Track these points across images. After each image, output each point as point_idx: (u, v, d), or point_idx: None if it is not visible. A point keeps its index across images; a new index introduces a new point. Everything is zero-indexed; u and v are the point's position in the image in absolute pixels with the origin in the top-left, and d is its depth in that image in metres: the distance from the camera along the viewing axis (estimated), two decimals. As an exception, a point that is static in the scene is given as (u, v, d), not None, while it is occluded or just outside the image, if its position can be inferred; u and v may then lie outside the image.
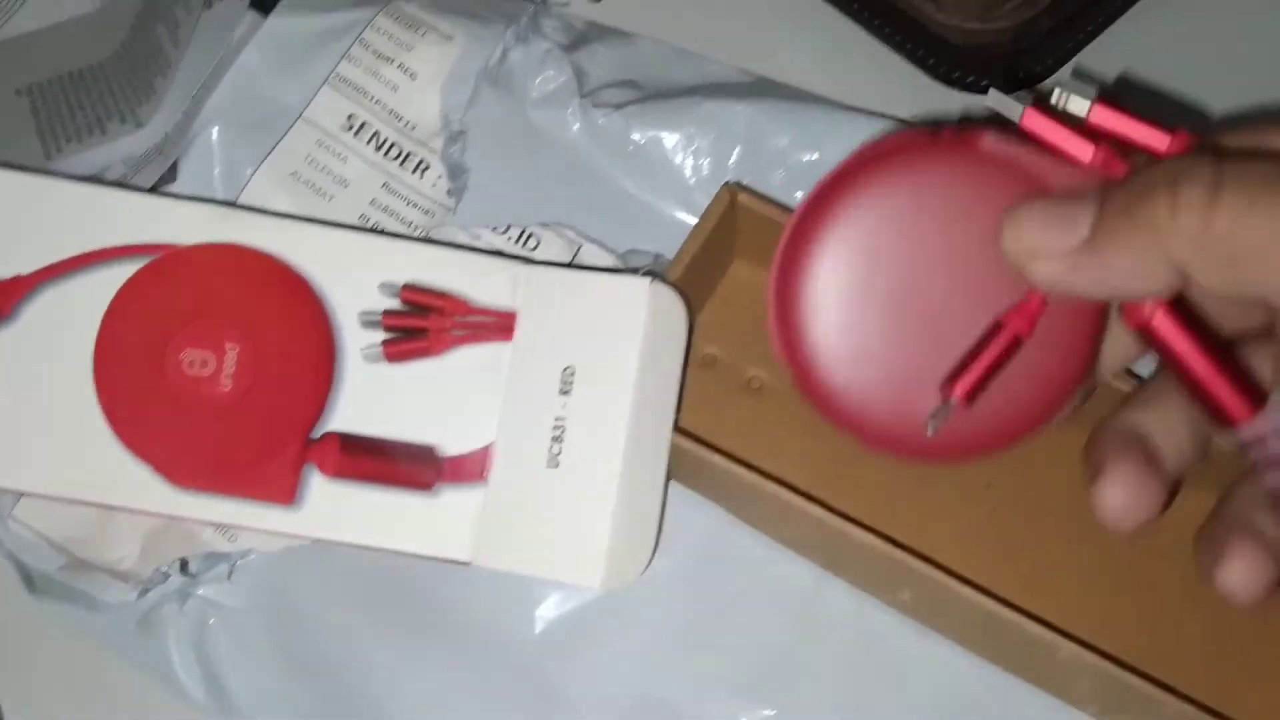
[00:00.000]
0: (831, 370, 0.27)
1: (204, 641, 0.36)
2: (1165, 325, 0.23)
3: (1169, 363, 0.24)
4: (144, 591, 0.35)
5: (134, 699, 0.37)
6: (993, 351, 0.25)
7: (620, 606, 0.35)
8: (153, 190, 0.36)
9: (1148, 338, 0.24)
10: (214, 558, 0.36)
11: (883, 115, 0.40)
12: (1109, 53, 0.41)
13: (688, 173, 0.39)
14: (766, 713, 0.35)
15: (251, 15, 0.38)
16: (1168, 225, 0.20)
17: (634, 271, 0.38)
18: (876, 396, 0.26)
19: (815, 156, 0.39)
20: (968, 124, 0.25)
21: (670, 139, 0.39)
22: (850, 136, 0.39)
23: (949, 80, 0.41)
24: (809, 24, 0.43)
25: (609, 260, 0.38)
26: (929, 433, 0.26)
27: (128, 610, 0.35)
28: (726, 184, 0.35)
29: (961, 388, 0.25)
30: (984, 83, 0.40)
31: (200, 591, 0.36)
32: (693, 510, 0.36)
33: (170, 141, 0.37)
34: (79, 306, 0.34)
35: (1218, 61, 0.42)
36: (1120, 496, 0.25)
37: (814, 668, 0.35)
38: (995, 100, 0.24)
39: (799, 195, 0.36)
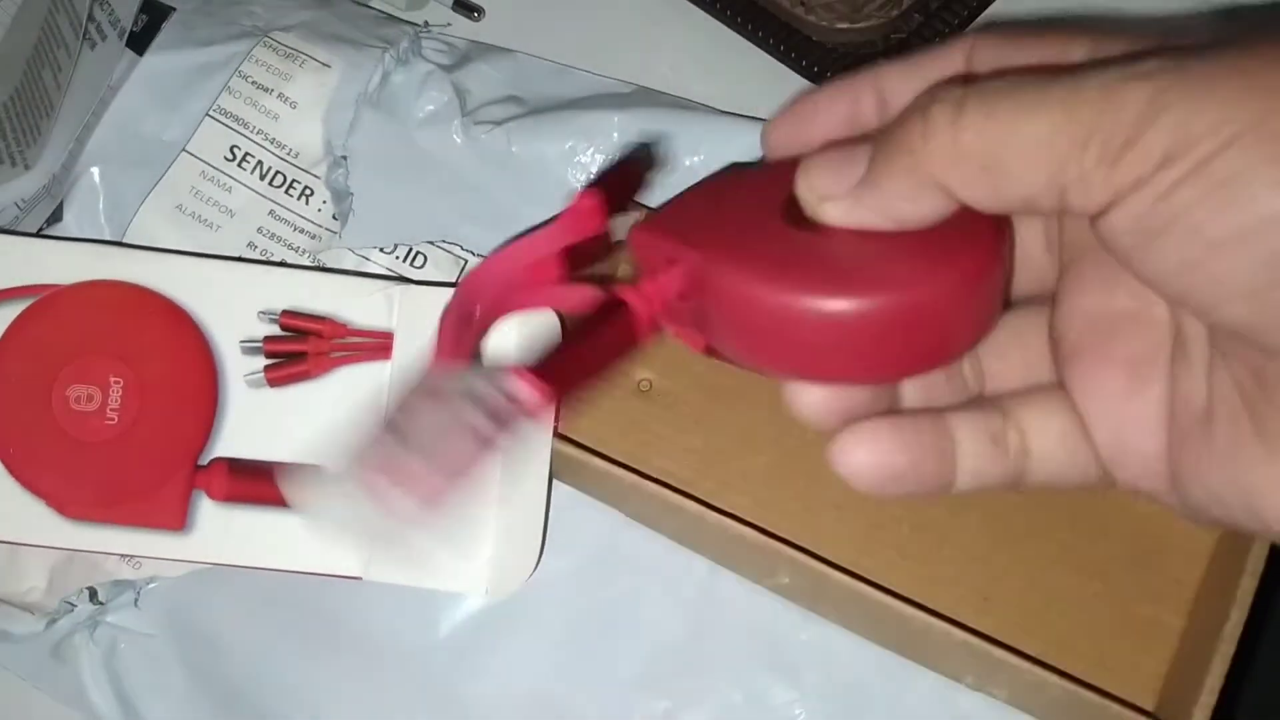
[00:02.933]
0: None
1: (116, 667, 0.37)
2: None
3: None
4: (53, 621, 0.36)
5: (52, 727, 0.38)
6: None
7: (521, 608, 0.36)
8: (38, 232, 0.37)
9: None
10: (120, 585, 0.37)
11: (759, 119, 0.41)
12: (980, 44, 0.42)
13: (571, 183, 0.40)
14: (663, 704, 0.36)
15: (129, 55, 0.38)
16: (922, 148, 0.21)
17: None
18: None
19: (693, 161, 0.40)
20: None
21: (552, 151, 0.40)
22: (727, 139, 0.40)
23: (823, 81, 0.41)
24: (685, 32, 0.44)
25: (495, 274, 0.39)
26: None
27: (39, 640, 0.36)
28: (602, 194, 0.36)
29: None
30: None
31: (109, 619, 0.37)
32: (589, 512, 0.37)
33: (56, 182, 0.38)
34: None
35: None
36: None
37: (708, 660, 0.36)
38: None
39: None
